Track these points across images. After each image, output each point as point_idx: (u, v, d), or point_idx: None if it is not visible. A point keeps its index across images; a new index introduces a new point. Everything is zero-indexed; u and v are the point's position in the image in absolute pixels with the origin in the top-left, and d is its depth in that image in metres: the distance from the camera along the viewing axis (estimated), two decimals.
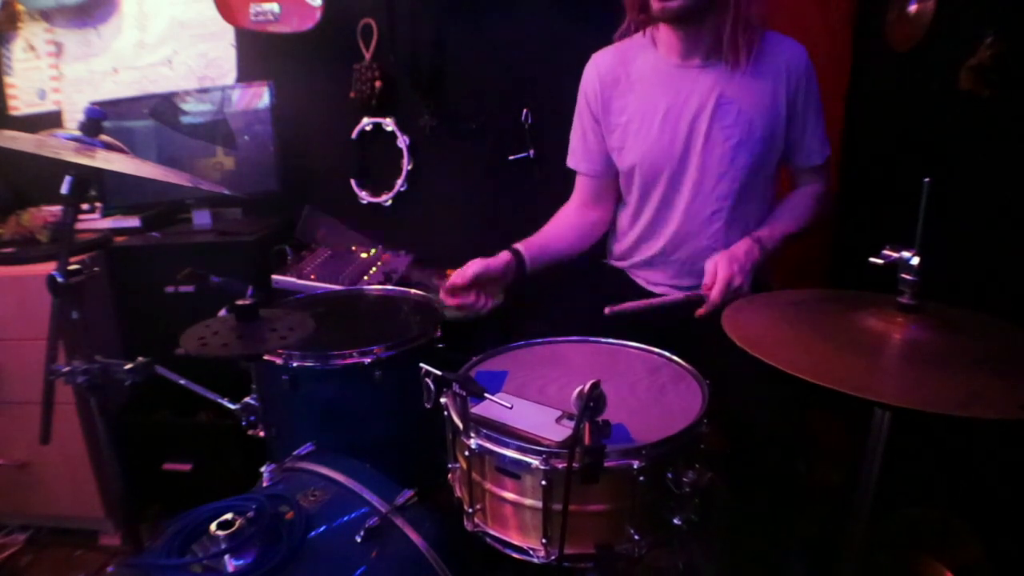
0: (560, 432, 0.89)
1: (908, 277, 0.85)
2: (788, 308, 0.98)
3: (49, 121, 2.18)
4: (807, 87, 1.31)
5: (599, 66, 1.40)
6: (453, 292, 1.28)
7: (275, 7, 1.81)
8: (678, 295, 1.23)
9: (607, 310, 1.15)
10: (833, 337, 0.84)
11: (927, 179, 0.81)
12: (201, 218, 1.97)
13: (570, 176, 1.51)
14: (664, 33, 1.33)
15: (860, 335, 0.84)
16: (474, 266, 1.28)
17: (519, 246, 1.38)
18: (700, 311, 1.18)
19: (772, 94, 1.29)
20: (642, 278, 1.47)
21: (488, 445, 0.89)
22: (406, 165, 2.01)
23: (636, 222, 1.43)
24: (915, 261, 0.84)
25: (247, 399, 1.26)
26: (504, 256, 1.34)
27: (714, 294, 1.17)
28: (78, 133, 1.04)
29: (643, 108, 1.34)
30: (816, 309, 0.97)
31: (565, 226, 1.49)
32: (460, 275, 1.27)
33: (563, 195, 1.54)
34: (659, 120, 1.32)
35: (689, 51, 1.30)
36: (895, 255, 0.86)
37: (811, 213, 1.38)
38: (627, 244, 1.47)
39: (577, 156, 1.47)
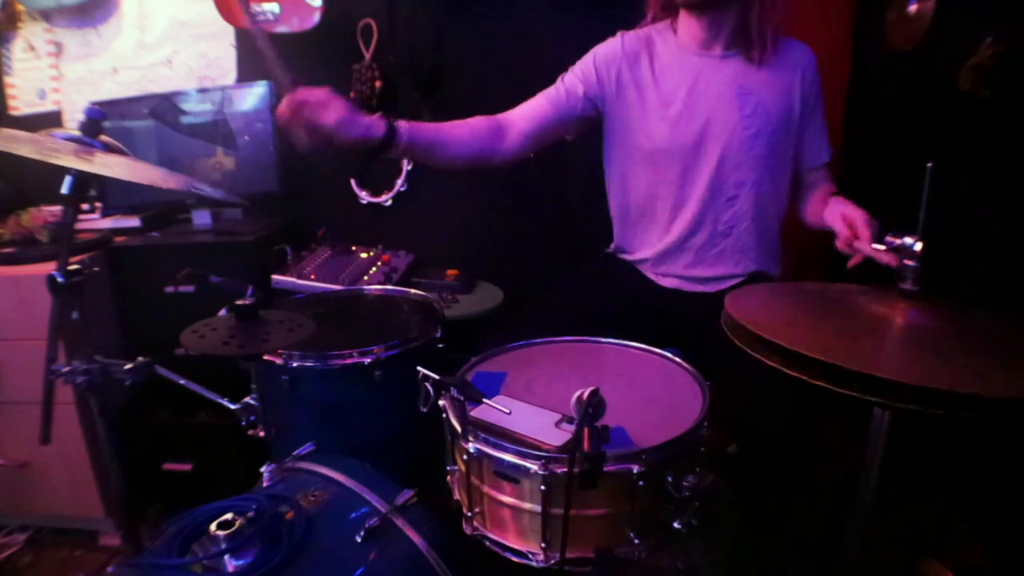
0: (559, 436, 0.88)
1: (910, 263, 0.85)
2: (788, 298, 0.97)
3: (49, 121, 2.19)
4: (817, 90, 1.37)
5: (624, 42, 1.40)
6: (294, 104, 1.14)
7: (275, 7, 1.81)
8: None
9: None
10: (834, 324, 0.83)
11: (929, 164, 0.82)
12: (201, 218, 1.97)
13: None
14: (685, 22, 1.35)
15: (863, 323, 0.84)
16: (327, 93, 1.14)
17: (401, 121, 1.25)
18: (853, 261, 1.09)
19: (788, 91, 1.33)
20: (652, 272, 1.46)
21: (486, 449, 0.88)
22: (406, 165, 2.01)
23: (650, 209, 1.42)
24: (918, 247, 0.84)
25: (247, 399, 1.26)
26: (374, 116, 1.21)
27: (862, 231, 1.08)
28: (78, 133, 1.04)
29: (661, 93, 1.35)
30: (816, 300, 0.95)
31: (466, 122, 1.34)
32: (313, 93, 1.15)
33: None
34: (678, 106, 1.34)
35: (710, 40, 1.33)
36: (898, 241, 0.86)
37: None
38: (639, 236, 1.46)
39: (555, 87, 1.42)
